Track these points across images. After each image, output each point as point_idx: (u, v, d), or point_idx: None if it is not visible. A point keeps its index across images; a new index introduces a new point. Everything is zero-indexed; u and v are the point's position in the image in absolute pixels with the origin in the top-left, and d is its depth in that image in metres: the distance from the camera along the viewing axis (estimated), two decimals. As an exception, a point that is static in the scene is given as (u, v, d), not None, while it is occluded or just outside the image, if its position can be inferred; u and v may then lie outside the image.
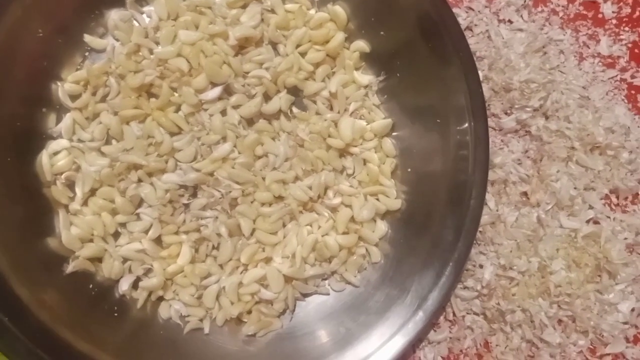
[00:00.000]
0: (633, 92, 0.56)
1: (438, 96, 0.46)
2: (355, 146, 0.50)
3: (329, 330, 0.48)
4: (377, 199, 0.50)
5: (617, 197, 0.54)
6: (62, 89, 0.48)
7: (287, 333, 0.49)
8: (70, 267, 0.46)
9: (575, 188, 0.52)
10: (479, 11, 0.57)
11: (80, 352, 0.43)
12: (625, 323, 0.50)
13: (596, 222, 0.52)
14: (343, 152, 0.51)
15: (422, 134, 0.49)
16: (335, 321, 0.48)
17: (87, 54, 0.50)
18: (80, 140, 0.48)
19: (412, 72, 0.48)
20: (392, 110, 0.51)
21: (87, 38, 0.49)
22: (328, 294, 0.50)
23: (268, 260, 0.49)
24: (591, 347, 0.50)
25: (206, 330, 0.48)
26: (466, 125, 0.44)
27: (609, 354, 0.50)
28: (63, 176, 0.47)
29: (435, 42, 0.45)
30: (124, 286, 0.47)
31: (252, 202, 0.49)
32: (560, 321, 0.50)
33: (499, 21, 0.57)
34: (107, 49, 0.50)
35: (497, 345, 0.50)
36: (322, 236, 0.49)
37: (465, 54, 0.44)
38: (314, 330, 0.49)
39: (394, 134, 0.52)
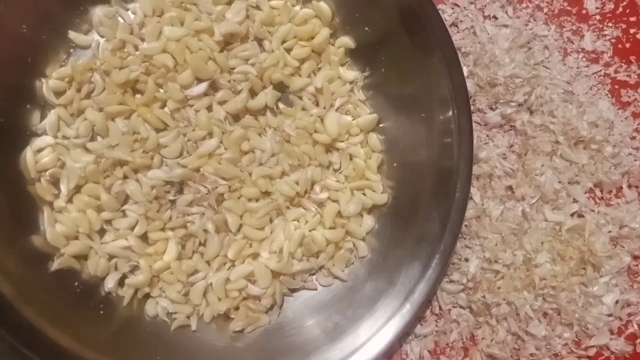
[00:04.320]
0: (617, 86, 0.56)
1: (422, 89, 0.47)
2: (342, 141, 0.51)
3: (317, 325, 0.48)
4: (364, 194, 0.51)
5: (601, 191, 0.54)
6: (47, 85, 0.48)
7: (275, 329, 0.49)
8: (55, 265, 0.45)
9: (559, 182, 0.52)
10: (464, 7, 0.57)
11: (66, 349, 0.42)
12: (610, 315, 0.50)
13: (580, 216, 0.53)
14: (329, 148, 0.51)
15: (407, 128, 0.49)
16: (323, 316, 0.49)
17: (71, 50, 0.50)
18: (65, 137, 0.48)
19: (397, 66, 0.49)
20: (378, 105, 0.52)
21: (72, 34, 0.49)
22: (316, 289, 0.50)
23: (255, 255, 0.49)
24: (576, 339, 0.50)
25: (193, 327, 0.48)
26: (450, 116, 0.44)
27: (593, 346, 0.50)
28: (48, 173, 0.47)
29: (419, 37, 0.46)
30: (109, 284, 0.47)
31: (238, 198, 0.49)
32: (545, 314, 0.50)
33: (484, 17, 0.57)
34: (92, 46, 0.50)
35: (483, 339, 0.50)
36: (309, 231, 0.49)
37: (448, 47, 0.45)
38: (302, 325, 0.49)
39: (380, 125, 0.52)
